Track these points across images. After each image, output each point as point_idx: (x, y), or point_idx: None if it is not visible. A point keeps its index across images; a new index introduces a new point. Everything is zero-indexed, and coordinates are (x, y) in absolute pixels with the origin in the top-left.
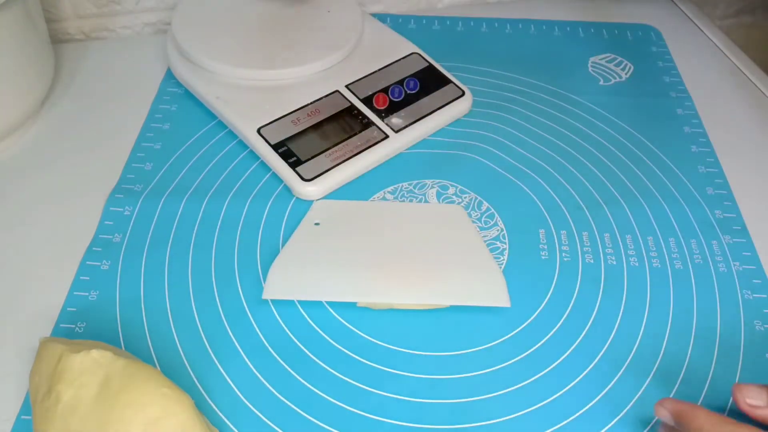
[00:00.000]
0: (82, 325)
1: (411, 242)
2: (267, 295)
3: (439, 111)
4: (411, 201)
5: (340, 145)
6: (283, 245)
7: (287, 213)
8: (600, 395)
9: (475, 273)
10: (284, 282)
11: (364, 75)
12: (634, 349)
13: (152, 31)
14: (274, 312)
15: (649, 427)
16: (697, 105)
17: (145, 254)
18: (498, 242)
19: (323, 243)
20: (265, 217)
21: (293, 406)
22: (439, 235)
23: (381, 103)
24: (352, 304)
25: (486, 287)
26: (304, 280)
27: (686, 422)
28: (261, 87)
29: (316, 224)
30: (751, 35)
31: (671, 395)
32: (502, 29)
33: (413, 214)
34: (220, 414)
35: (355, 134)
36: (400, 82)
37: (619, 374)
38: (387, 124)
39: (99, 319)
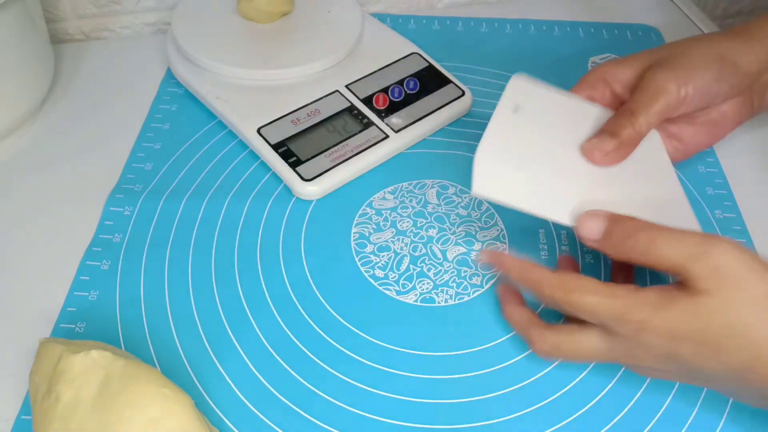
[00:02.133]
0: (82, 325)
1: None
2: (478, 189)
3: (439, 111)
4: (411, 201)
5: (340, 145)
6: (283, 245)
7: (287, 213)
8: (600, 395)
9: (665, 216)
10: (499, 177)
11: (364, 75)
12: None
13: (152, 31)
14: (274, 312)
15: (649, 428)
16: None
17: (145, 254)
18: (498, 242)
19: (529, 137)
20: (265, 217)
21: (293, 406)
22: (634, 167)
23: (381, 103)
24: (352, 304)
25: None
26: (519, 179)
27: (528, 284)
28: (261, 87)
29: (516, 109)
30: None
31: (671, 395)
32: (502, 29)
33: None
34: (220, 414)
35: (355, 134)
36: (400, 82)
37: (618, 374)
38: (387, 124)
39: (99, 319)
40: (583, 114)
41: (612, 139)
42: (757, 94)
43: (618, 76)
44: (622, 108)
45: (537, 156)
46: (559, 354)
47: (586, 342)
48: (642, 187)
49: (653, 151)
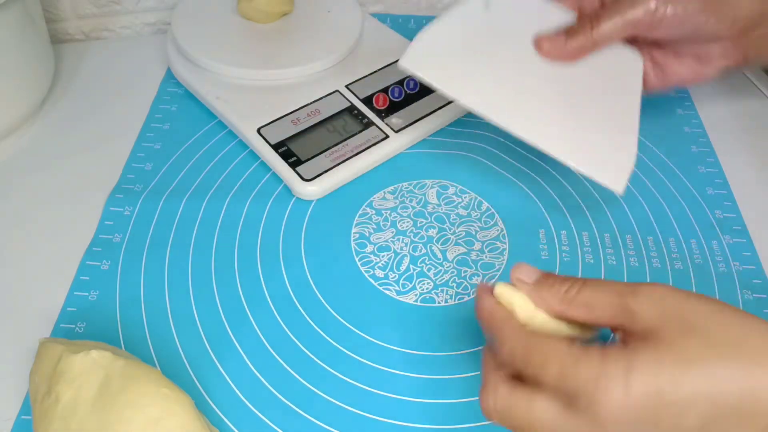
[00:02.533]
0: (82, 325)
1: (565, 77)
2: (405, 62)
3: (439, 111)
4: (411, 201)
5: (340, 145)
6: (283, 245)
7: (287, 213)
8: None
9: (606, 140)
10: (429, 56)
11: (364, 75)
12: None
13: (152, 31)
14: (274, 312)
15: None
16: (697, 105)
17: (145, 254)
18: (498, 242)
19: (482, 33)
20: (265, 217)
21: (293, 406)
22: (596, 83)
23: (381, 103)
24: (352, 304)
25: (607, 161)
26: (449, 63)
27: (497, 338)
28: (261, 87)
29: (486, 5)
30: None
31: None
32: None
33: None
34: (220, 414)
35: (355, 134)
36: (400, 82)
37: None
38: (387, 124)
39: (99, 319)
40: (557, 19)
41: (567, 37)
42: (753, 45)
43: None
44: (592, 10)
45: (489, 54)
46: (506, 419)
47: (539, 412)
48: (595, 107)
49: (628, 74)
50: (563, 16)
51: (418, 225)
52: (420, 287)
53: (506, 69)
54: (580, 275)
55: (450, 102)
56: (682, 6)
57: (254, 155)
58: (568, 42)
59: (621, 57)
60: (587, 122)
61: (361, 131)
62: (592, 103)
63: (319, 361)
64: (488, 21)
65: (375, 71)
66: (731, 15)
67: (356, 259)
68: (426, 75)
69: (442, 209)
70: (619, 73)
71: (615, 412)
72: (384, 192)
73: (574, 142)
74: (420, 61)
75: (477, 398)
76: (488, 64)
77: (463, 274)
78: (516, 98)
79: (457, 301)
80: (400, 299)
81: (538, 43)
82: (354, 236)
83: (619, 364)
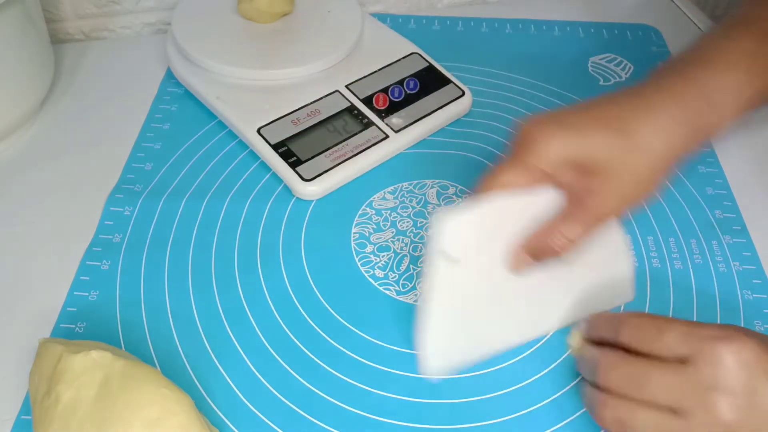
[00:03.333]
0: (82, 326)
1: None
2: (430, 373)
3: (439, 111)
4: (411, 201)
5: (340, 145)
6: (283, 245)
7: (287, 213)
8: None
9: (603, 273)
10: (446, 353)
11: (364, 75)
12: None
13: (152, 31)
14: (274, 312)
15: None
16: None
17: (145, 254)
18: None
19: (466, 288)
20: (265, 217)
21: (293, 406)
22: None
23: (381, 103)
24: (352, 304)
25: (611, 286)
26: (463, 341)
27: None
28: (261, 87)
29: (454, 260)
30: None
31: None
32: (502, 29)
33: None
34: (220, 414)
35: (355, 134)
36: (400, 82)
37: None
38: (387, 124)
39: (99, 319)
40: (518, 214)
41: (535, 261)
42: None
43: (561, 155)
44: (549, 231)
45: (477, 304)
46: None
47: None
48: (579, 262)
49: (609, 234)
50: (514, 203)
51: (418, 225)
52: (420, 287)
53: (504, 296)
54: None
55: (450, 102)
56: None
57: (254, 155)
58: (535, 263)
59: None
60: (582, 279)
61: (361, 131)
62: (575, 262)
63: (319, 361)
64: (458, 273)
65: (375, 71)
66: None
67: (356, 259)
68: (458, 366)
69: (442, 209)
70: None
71: (738, 357)
72: (384, 192)
73: (582, 297)
74: (441, 366)
75: (477, 398)
76: (493, 308)
77: None
78: (531, 307)
79: None
80: (400, 299)
81: (512, 266)
82: (354, 236)
83: (731, 327)
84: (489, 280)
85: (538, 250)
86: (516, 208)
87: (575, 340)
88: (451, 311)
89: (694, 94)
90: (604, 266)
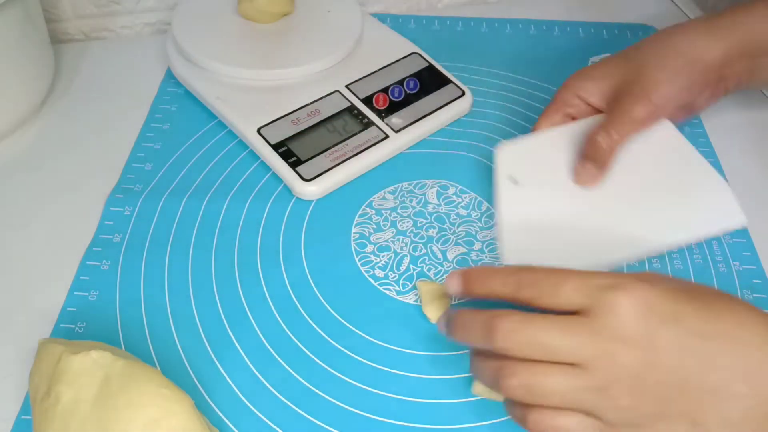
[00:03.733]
0: (82, 325)
1: (617, 177)
2: (508, 259)
3: (439, 111)
4: (411, 201)
5: (340, 145)
6: (283, 245)
7: (287, 213)
8: None
9: (699, 194)
10: (524, 245)
11: (364, 75)
12: None
13: (152, 31)
14: (274, 312)
15: None
16: None
17: (145, 254)
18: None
19: (537, 204)
20: (265, 217)
21: (293, 406)
22: (647, 164)
23: (381, 103)
24: (352, 304)
25: (714, 208)
26: (543, 241)
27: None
28: (261, 87)
29: (515, 182)
30: None
31: None
32: (502, 29)
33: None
34: (220, 414)
35: (355, 134)
36: (400, 82)
37: None
38: (387, 124)
39: (99, 319)
40: (571, 140)
41: (589, 164)
42: (730, 80)
43: (591, 91)
44: (594, 131)
45: (550, 211)
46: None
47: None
48: (663, 182)
49: (669, 139)
50: (569, 130)
51: (418, 225)
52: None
53: (574, 209)
54: None
55: (450, 102)
56: (666, 92)
57: (254, 155)
58: (595, 168)
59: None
60: (668, 198)
61: (361, 131)
62: (658, 181)
63: (319, 361)
64: (526, 190)
65: (375, 71)
66: (705, 69)
67: (356, 259)
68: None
69: (442, 209)
70: (657, 144)
71: (633, 304)
72: (384, 192)
73: (674, 222)
74: (519, 252)
75: (477, 398)
76: (560, 221)
77: None
78: (609, 229)
79: (457, 301)
80: (400, 299)
81: (576, 180)
82: (354, 236)
83: (626, 275)
84: (555, 201)
85: (590, 153)
86: (566, 137)
87: (478, 389)
88: (522, 227)
89: (719, 21)
90: (690, 188)
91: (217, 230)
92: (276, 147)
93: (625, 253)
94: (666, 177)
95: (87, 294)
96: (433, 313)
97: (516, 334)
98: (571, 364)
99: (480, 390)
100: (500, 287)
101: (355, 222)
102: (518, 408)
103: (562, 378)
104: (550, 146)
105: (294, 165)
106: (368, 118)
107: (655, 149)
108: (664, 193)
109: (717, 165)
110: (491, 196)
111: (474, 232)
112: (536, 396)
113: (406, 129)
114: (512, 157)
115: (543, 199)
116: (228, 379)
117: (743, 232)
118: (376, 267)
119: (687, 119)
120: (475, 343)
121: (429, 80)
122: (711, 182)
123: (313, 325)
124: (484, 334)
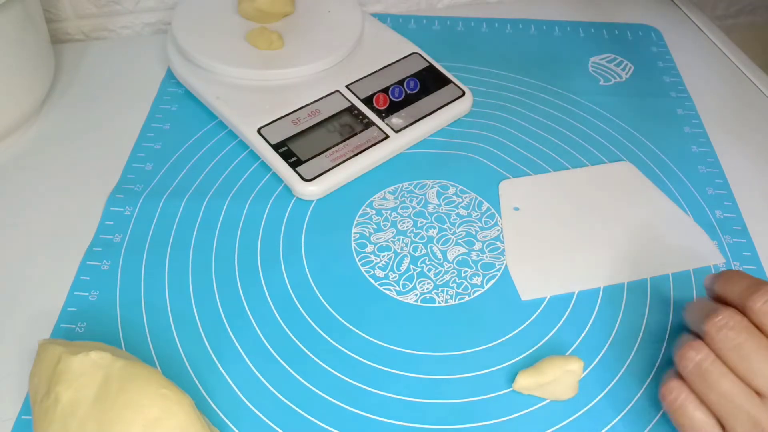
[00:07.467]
0: (82, 326)
1: (601, 215)
2: (527, 296)
3: (439, 111)
4: (411, 201)
5: (340, 145)
6: (283, 245)
7: (287, 213)
8: (601, 395)
9: (678, 235)
10: (534, 281)
11: (364, 75)
12: (635, 350)
13: (152, 31)
14: (274, 311)
15: (650, 426)
16: (697, 105)
17: (145, 254)
18: (498, 242)
19: (537, 226)
20: (265, 217)
21: (293, 406)
22: (621, 199)
23: (381, 103)
24: (352, 304)
25: (692, 247)
26: (551, 274)
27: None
28: (261, 87)
29: (516, 209)
30: (751, 35)
31: None
32: (502, 29)
33: (588, 179)
34: (220, 414)
35: (356, 134)
36: (400, 82)
37: (619, 374)
38: (387, 124)
39: (99, 320)
40: (557, 182)
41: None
42: None
43: None
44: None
45: (550, 240)
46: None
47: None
48: (642, 218)
49: (635, 180)
50: (566, 176)
51: (419, 225)
52: (420, 287)
53: (577, 242)
54: None
55: (450, 102)
56: None
57: (254, 155)
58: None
59: (613, 170)
60: (651, 233)
61: (361, 131)
62: (633, 215)
63: (319, 361)
64: (527, 218)
65: (375, 71)
66: None
67: (356, 259)
68: (548, 294)
69: (442, 209)
70: (620, 181)
71: None
72: (384, 192)
73: (663, 256)
74: (532, 287)
75: (477, 398)
76: (560, 250)
77: (463, 275)
78: (607, 257)
79: (457, 302)
80: (401, 299)
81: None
82: (354, 236)
83: None
84: (550, 227)
85: None
86: (562, 178)
87: (519, 383)
88: (525, 250)
89: None
90: (665, 230)
91: (218, 230)
92: (276, 147)
93: (613, 280)
94: (642, 217)
95: (87, 294)
96: (524, 379)
97: (730, 330)
98: (758, 392)
99: (523, 384)
100: (737, 289)
101: (355, 222)
102: (674, 377)
103: (740, 392)
104: (547, 182)
105: (294, 165)
106: (368, 118)
107: (621, 187)
108: (647, 233)
109: (717, 165)
110: (491, 196)
111: (474, 232)
112: (702, 381)
113: (407, 129)
114: (512, 186)
115: (536, 225)
116: (228, 379)
117: (743, 232)
118: (376, 267)
119: None
120: (689, 324)
121: (429, 80)
122: (685, 226)
123: (313, 325)
124: (702, 316)
